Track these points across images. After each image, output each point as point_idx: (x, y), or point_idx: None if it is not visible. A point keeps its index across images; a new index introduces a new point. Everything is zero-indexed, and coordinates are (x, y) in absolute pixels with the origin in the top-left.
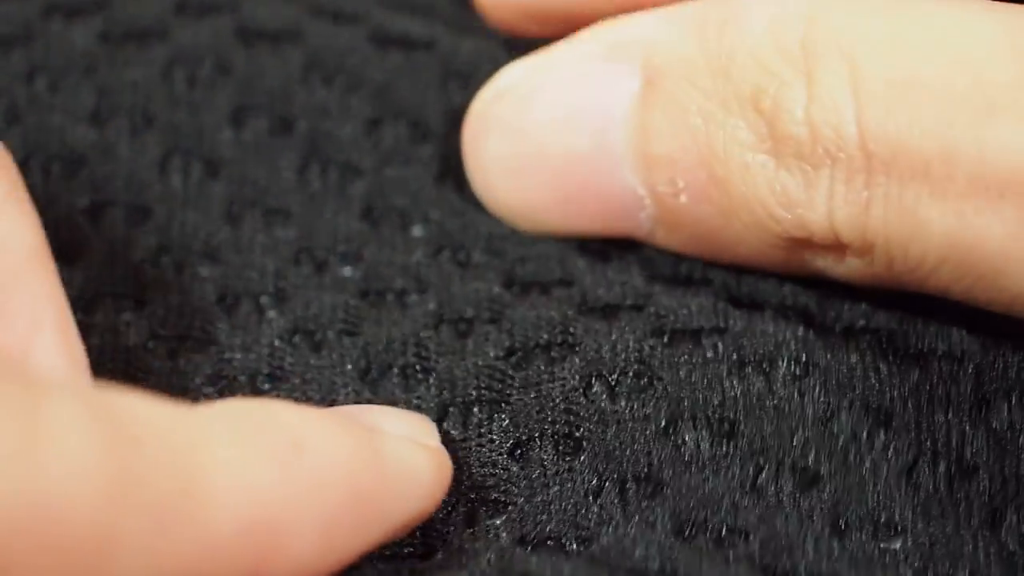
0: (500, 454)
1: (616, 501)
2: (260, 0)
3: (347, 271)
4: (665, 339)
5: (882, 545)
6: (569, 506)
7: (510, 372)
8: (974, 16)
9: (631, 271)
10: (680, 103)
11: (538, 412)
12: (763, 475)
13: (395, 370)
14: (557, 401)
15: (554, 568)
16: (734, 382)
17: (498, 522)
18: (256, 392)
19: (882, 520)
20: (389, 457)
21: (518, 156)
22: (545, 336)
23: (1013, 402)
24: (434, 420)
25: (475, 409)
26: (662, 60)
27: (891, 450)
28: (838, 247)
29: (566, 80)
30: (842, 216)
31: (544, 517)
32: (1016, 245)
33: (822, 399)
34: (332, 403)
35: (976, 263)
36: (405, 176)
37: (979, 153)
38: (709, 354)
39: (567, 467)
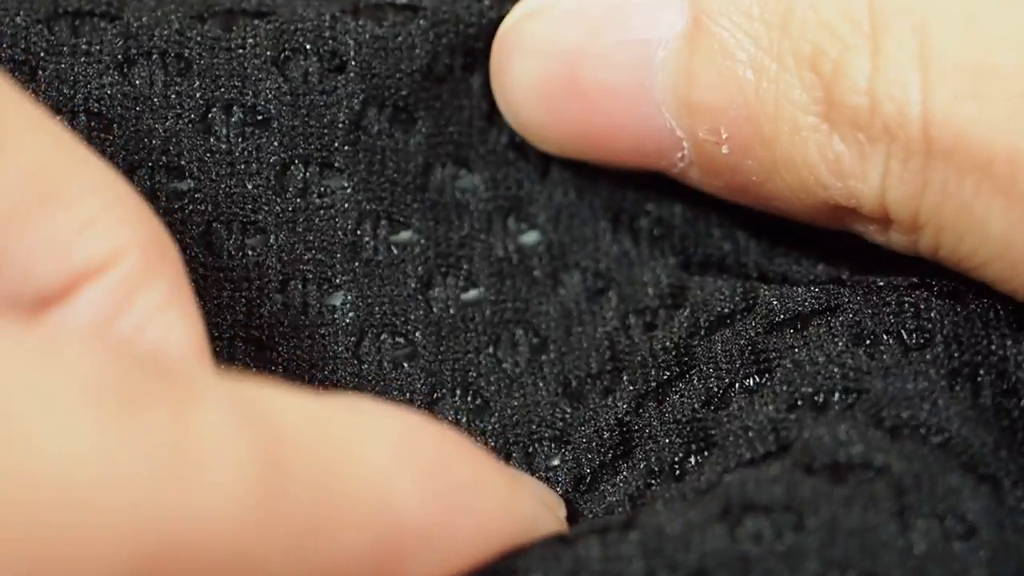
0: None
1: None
2: None
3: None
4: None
5: None
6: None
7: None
8: None
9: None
10: (729, 51)
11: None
12: None
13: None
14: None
15: None
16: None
17: None
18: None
19: None
20: (527, 514)
21: (548, 80)
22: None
23: None
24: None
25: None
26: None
27: None
28: (885, 221)
29: (605, 6)
30: (895, 195)
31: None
32: None
33: None
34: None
35: None
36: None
37: None
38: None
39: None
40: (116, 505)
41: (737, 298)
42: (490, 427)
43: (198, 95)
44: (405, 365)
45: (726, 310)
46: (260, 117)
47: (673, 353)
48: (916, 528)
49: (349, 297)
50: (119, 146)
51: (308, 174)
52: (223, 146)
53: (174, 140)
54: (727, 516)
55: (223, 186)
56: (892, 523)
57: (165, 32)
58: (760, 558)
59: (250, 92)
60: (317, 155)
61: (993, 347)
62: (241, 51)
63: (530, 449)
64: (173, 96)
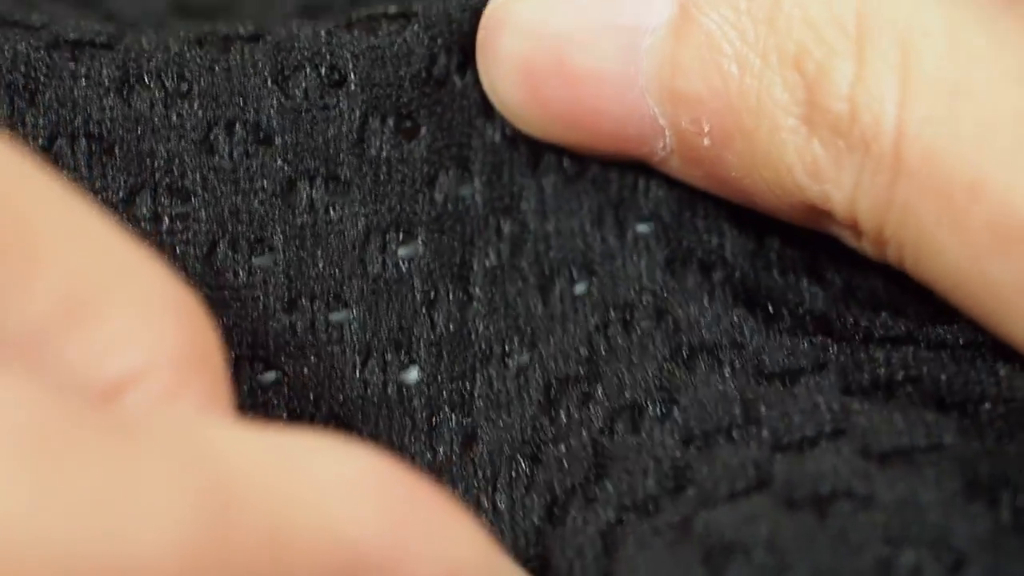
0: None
1: None
2: None
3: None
4: None
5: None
6: None
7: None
8: None
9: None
10: (715, 43)
11: None
12: None
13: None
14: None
15: None
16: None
17: None
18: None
19: None
20: (489, 563)
21: (534, 61)
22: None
23: None
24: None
25: None
26: None
27: None
28: (856, 229)
29: None
30: (864, 206)
31: None
32: (1022, 297)
33: None
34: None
35: (984, 305)
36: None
37: (1005, 194)
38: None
39: None
40: (44, 553)
41: (722, 336)
42: (482, 451)
43: (199, 115)
44: (405, 388)
45: (712, 340)
46: (263, 135)
47: (655, 383)
48: (902, 564)
49: (355, 314)
50: (121, 168)
51: (314, 190)
52: (227, 165)
53: (177, 161)
54: (708, 562)
55: (228, 205)
56: (878, 562)
57: (164, 55)
58: None
59: (252, 110)
60: (322, 170)
61: (984, 388)
62: (240, 70)
63: (513, 472)
64: (174, 117)
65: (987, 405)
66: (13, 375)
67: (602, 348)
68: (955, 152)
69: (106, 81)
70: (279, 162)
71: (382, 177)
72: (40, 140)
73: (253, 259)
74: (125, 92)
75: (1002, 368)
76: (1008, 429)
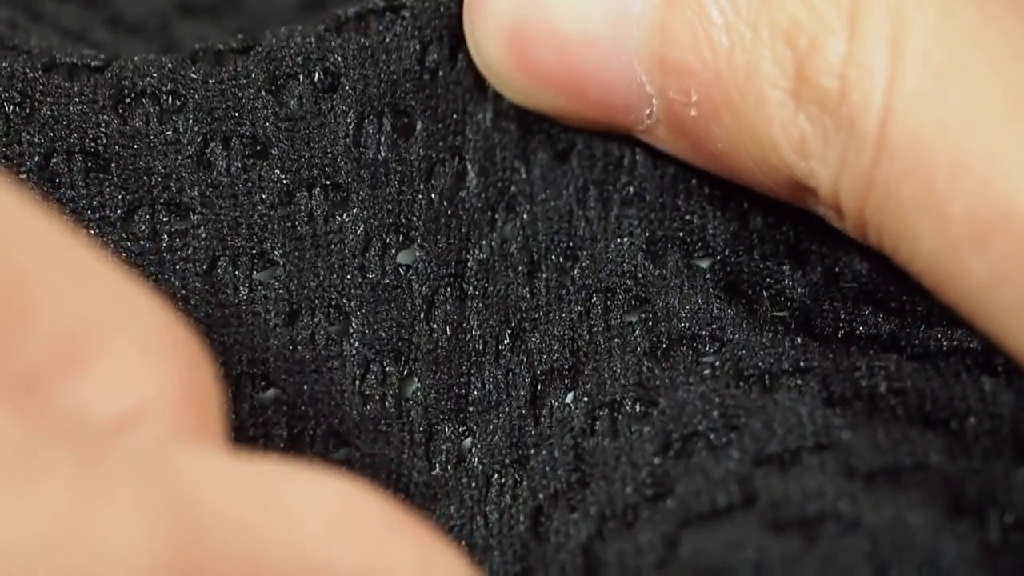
0: None
1: None
2: None
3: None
4: None
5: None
6: None
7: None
8: None
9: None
10: (706, 13)
11: None
12: None
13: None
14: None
15: None
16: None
17: None
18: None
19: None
20: None
21: (521, 22)
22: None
23: None
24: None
25: None
26: None
27: None
28: (839, 209)
29: None
30: (846, 185)
31: None
32: (996, 290)
33: None
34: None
35: (958, 295)
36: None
37: (985, 180)
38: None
39: None
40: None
41: (702, 328)
42: (474, 462)
43: (195, 130)
44: (402, 401)
45: (692, 332)
46: (259, 146)
47: (634, 379)
48: None
49: (355, 325)
50: (118, 186)
51: (312, 199)
52: (224, 179)
53: (174, 176)
54: None
55: (227, 220)
56: None
57: (157, 72)
58: None
59: (247, 122)
60: (320, 177)
61: (969, 404)
62: (233, 82)
63: (502, 480)
64: (170, 132)
65: (972, 420)
66: None
67: (584, 338)
68: (938, 135)
69: (101, 99)
70: (277, 172)
71: (380, 179)
72: (36, 157)
73: (254, 274)
74: (120, 109)
75: (987, 382)
76: (994, 446)
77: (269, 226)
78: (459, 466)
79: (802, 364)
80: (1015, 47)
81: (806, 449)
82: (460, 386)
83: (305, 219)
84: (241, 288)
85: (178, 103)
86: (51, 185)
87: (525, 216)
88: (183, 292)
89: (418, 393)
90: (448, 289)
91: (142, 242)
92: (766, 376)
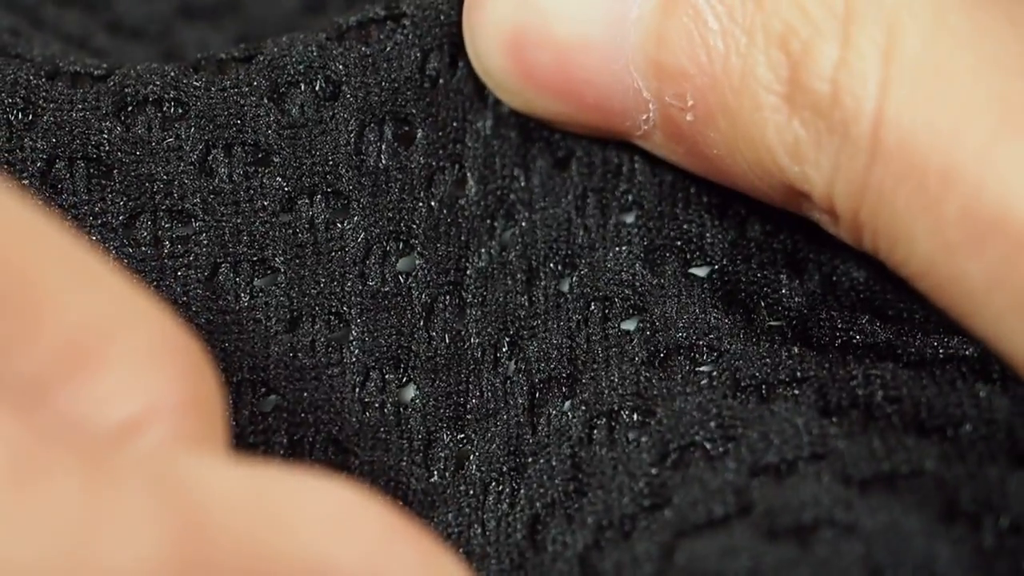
0: None
1: None
2: None
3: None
4: None
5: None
6: None
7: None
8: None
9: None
10: (703, 18)
11: None
12: None
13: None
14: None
15: None
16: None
17: None
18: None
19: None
20: None
21: (520, 27)
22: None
23: None
24: None
25: None
26: None
27: None
28: (834, 213)
29: None
30: (841, 190)
31: None
32: (991, 294)
33: None
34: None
35: (954, 299)
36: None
37: (979, 184)
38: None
39: None
40: None
41: (699, 339)
42: (472, 470)
43: (197, 137)
44: (401, 408)
45: (689, 342)
46: (261, 154)
47: (632, 389)
48: None
49: (355, 332)
50: (120, 192)
51: (314, 206)
52: (226, 187)
53: (176, 184)
54: None
55: (229, 227)
56: None
57: (160, 80)
58: None
59: (249, 130)
60: (321, 185)
61: (964, 410)
62: (236, 90)
63: (500, 488)
64: (172, 140)
65: (967, 427)
66: None
67: (582, 347)
68: (931, 139)
69: (104, 106)
70: (278, 180)
71: (381, 187)
72: (39, 164)
73: (255, 281)
74: (123, 116)
75: (982, 389)
76: (989, 452)
77: (270, 233)
78: (457, 474)
79: (799, 374)
80: (1007, 55)
81: (802, 459)
82: (459, 394)
83: (306, 226)
84: (242, 295)
85: (180, 111)
86: (53, 191)
87: (524, 224)
88: (184, 299)
89: (417, 400)
90: (447, 297)
91: (144, 248)
92: (763, 387)
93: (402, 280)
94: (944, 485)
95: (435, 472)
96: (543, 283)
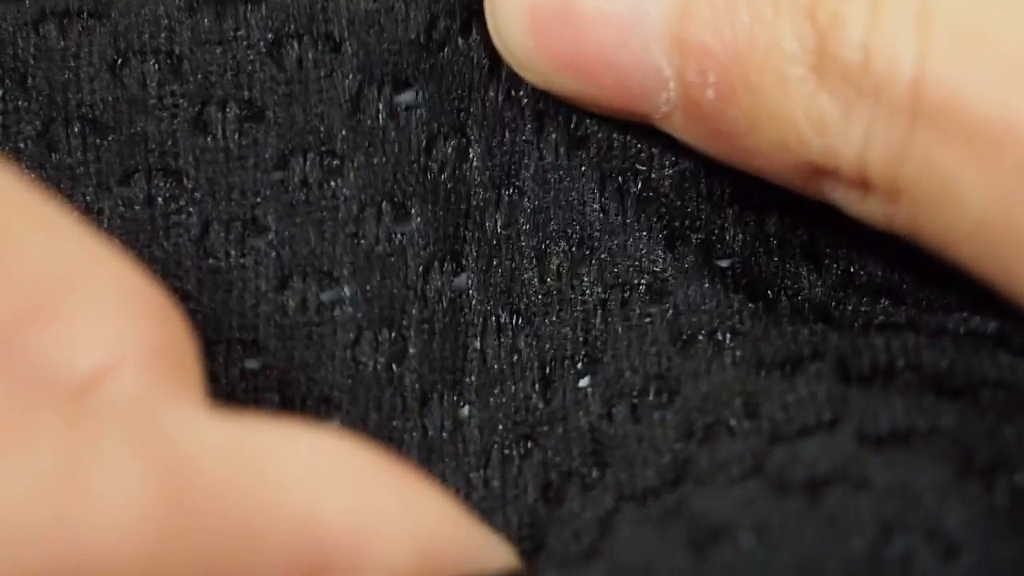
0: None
1: None
2: None
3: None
4: None
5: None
6: None
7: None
8: None
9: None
10: None
11: None
12: None
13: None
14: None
15: None
16: None
17: None
18: None
19: None
20: (466, 535)
21: (543, 5)
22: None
23: None
24: None
25: None
26: None
27: None
28: (863, 185)
29: None
30: (875, 157)
31: None
32: None
33: None
34: None
35: (1002, 257)
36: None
37: None
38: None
39: None
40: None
41: (722, 321)
42: (473, 432)
43: (192, 93)
44: (395, 367)
45: (712, 326)
46: (256, 110)
47: (655, 370)
48: (892, 551)
49: (348, 292)
50: (114, 152)
51: (307, 164)
52: (220, 144)
53: (170, 142)
54: (693, 543)
55: (221, 185)
56: (868, 549)
57: (154, 29)
58: None
59: (245, 85)
60: (316, 143)
61: (985, 374)
62: (233, 43)
63: (506, 451)
64: (167, 97)
65: (987, 391)
66: None
67: (600, 329)
68: (979, 93)
69: (97, 60)
70: (272, 137)
71: (377, 148)
72: (35, 124)
73: (246, 239)
74: (116, 71)
75: (1003, 356)
76: (1007, 412)
77: (263, 192)
78: (455, 432)
79: (820, 349)
80: None
81: (823, 424)
82: (456, 356)
83: (299, 185)
84: (233, 253)
85: (174, 64)
86: (48, 151)
87: (536, 200)
88: (176, 257)
89: (412, 361)
90: (444, 263)
91: (137, 208)
92: (786, 364)
93: (396, 242)
94: (960, 442)
95: (431, 429)
96: (556, 262)
